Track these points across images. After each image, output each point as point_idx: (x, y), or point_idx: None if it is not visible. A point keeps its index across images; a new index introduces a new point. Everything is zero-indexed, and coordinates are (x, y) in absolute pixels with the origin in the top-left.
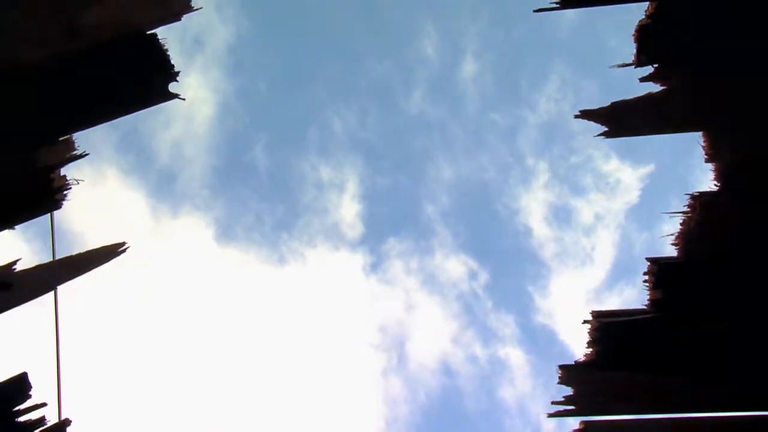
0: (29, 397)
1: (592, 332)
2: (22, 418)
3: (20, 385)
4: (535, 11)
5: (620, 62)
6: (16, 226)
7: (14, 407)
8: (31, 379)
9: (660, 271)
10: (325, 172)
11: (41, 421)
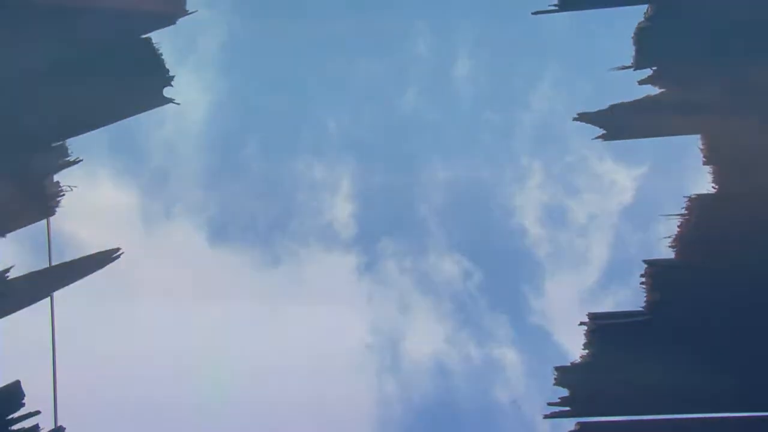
0: (22, 405)
1: (589, 334)
2: (15, 427)
3: (13, 394)
4: (533, 14)
5: (616, 64)
6: (8, 234)
7: (7, 416)
8: (25, 387)
9: (657, 273)
10: (319, 172)
11: (35, 429)
